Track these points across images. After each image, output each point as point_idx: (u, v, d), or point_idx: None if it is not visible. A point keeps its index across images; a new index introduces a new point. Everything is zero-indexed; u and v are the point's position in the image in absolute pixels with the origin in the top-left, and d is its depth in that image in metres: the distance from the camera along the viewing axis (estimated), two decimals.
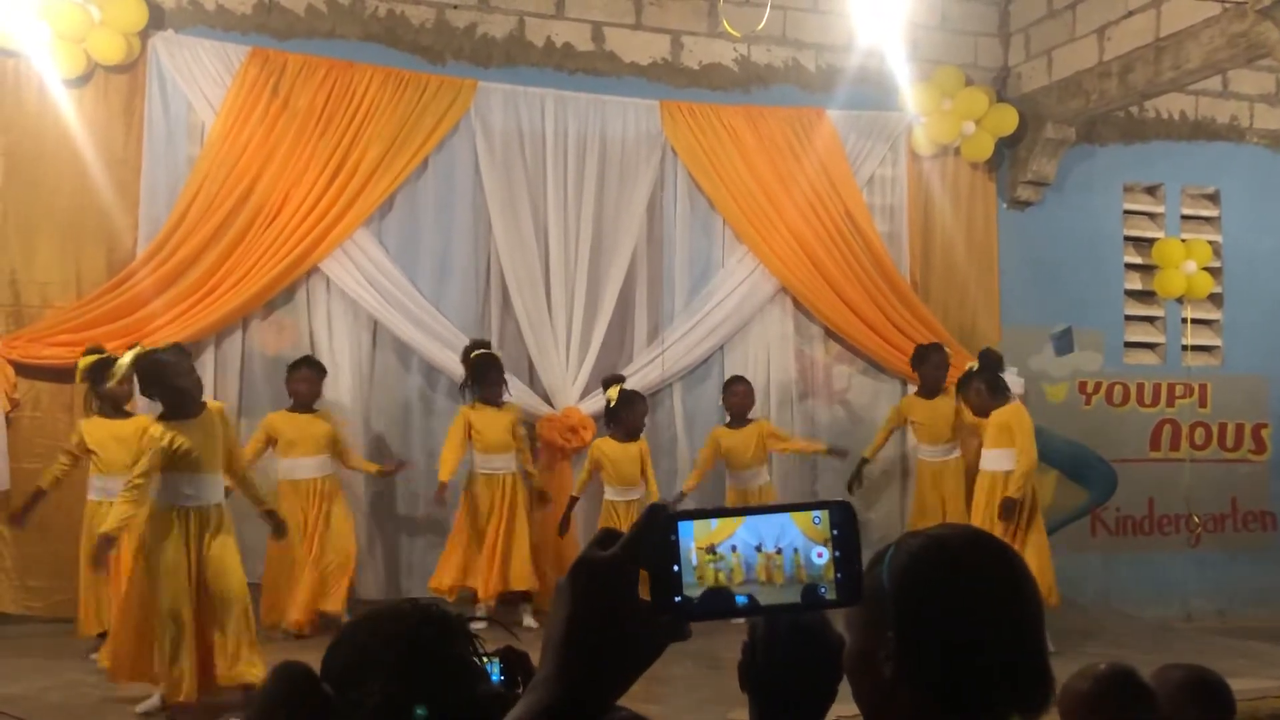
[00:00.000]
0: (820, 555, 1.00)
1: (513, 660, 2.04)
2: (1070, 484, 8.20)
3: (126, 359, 4.84)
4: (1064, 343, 8.22)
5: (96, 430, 5.69)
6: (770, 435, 7.07)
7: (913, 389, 7.43)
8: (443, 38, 7.16)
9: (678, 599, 0.97)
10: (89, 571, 5.41)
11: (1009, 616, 1.23)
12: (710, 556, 0.98)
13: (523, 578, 6.48)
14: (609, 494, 6.70)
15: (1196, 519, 8.47)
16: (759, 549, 0.99)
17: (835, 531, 1.00)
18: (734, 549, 0.98)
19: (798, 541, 0.99)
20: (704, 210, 7.58)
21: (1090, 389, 8.37)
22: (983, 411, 6.47)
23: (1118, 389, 8.43)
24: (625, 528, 0.97)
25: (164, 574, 4.64)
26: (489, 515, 6.45)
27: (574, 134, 7.27)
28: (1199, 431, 8.58)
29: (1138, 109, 8.31)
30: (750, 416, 7.07)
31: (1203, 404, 8.58)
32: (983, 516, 6.54)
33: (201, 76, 6.66)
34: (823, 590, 0.99)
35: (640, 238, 7.41)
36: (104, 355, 5.74)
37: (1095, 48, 7.42)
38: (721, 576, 0.98)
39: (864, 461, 7.24)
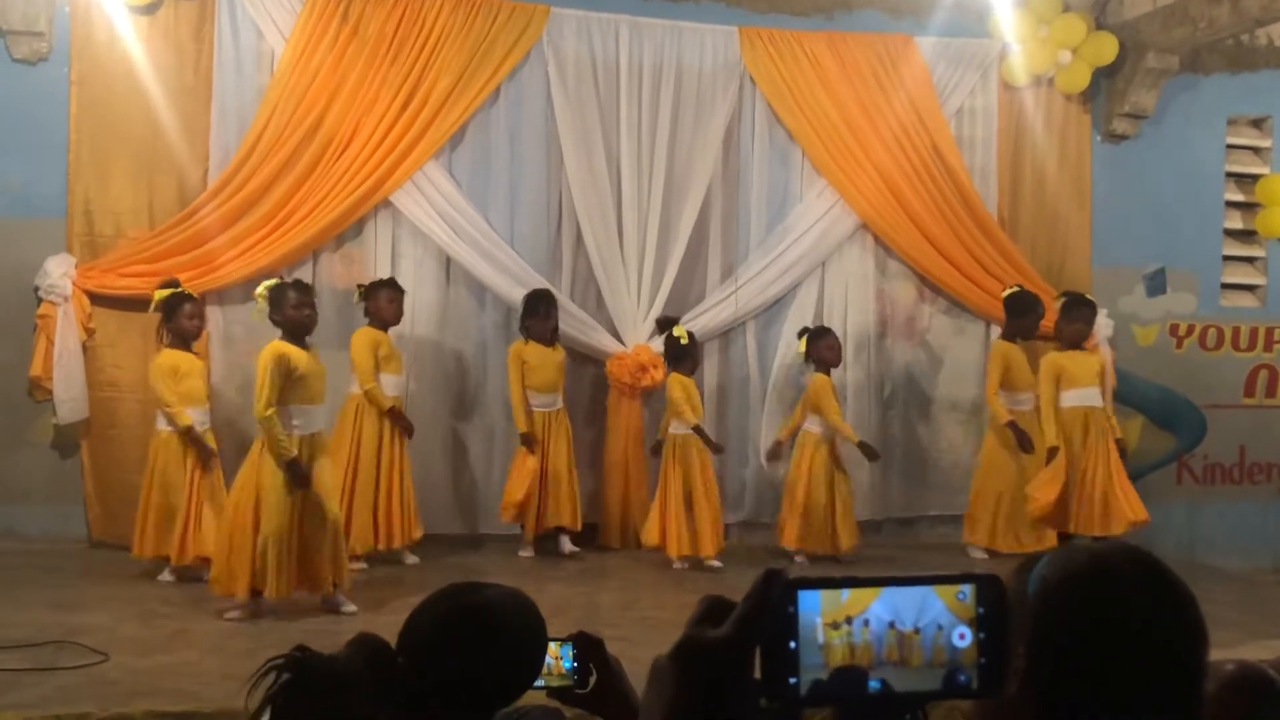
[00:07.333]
0: (963, 637, 0.85)
1: (585, 646, 1.93)
2: (1157, 430, 7.92)
3: (262, 288, 5.20)
4: (1157, 283, 7.86)
5: (175, 360, 5.75)
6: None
7: (996, 332, 7.15)
8: None
9: (793, 680, 0.83)
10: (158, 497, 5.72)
11: (1163, 654, 1.10)
12: (837, 632, 0.84)
13: (569, 514, 6.48)
14: (674, 428, 6.50)
15: None
16: (893, 625, 0.84)
17: (981, 609, 0.86)
18: (866, 623, 0.84)
19: (942, 618, 0.85)
20: (783, 142, 7.31)
21: (1182, 331, 8.02)
22: (1077, 341, 6.72)
23: (1212, 332, 8.07)
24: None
25: (276, 497, 4.98)
26: (538, 452, 6.40)
27: (649, 62, 7.04)
28: None
29: (1248, 36, 7.81)
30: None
31: None
32: (1100, 455, 6.54)
33: (271, 3, 6.57)
34: (964, 678, 0.85)
35: (715, 171, 7.18)
36: (178, 290, 5.85)
37: None
38: (848, 654, 0.84)
39: (1013, 424, 6.64)
